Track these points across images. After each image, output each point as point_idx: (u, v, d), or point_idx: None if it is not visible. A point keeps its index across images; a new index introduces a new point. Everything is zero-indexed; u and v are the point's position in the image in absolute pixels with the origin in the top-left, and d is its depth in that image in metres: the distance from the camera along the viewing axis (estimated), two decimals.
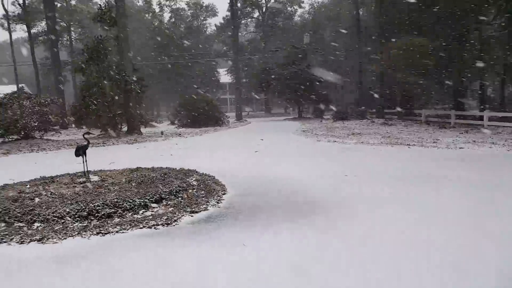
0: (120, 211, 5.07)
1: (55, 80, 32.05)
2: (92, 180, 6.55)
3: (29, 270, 3.64)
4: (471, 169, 7.99)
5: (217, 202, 5.66)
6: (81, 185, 6.23)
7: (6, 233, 4.49)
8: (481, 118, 17.99)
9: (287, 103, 47.25)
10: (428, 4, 19.31)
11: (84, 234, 4.46)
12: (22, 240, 4.32)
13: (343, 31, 33.16)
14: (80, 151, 6.84)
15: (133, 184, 6.23)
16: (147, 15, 52.61)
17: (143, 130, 21.53)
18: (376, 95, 26.74)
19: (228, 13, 47.29)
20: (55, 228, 4.59)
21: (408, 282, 3.20)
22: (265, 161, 9.95)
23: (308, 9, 52.40)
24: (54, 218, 4.79)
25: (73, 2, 46.07)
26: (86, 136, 7.23)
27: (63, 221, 4.77)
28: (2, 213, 4.90)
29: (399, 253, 3.75)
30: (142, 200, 5.34)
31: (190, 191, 6.07)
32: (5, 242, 4.31)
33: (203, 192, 6.11)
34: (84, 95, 19.27)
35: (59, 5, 42.12)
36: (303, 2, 51.58)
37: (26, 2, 35.38)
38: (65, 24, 44.45)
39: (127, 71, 19.80)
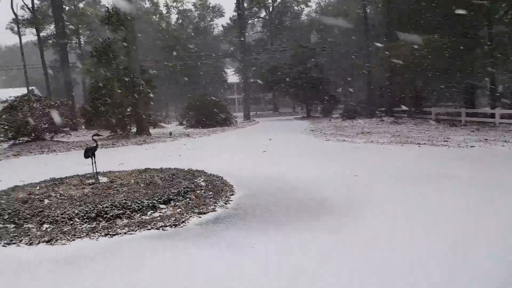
0: (128, 212, 5.07)
1: (65, 83, 32.40)
2: (101, 181, 6.57)
3: (37, 272, 3.65)
4: (484, 169, 7.85)
5: (225, 203, 5.63)
6: (90, 186, 6.25)
7: (16, 234, 4.52)
8: (492, 115, 17.71)
9: (295, 103, 47.13)
10: (437, 1, 19.06)
11: (93, 236, 4.46)
12: (31, 241, 4.34)
13: (348, 25, 32.89)
14: (89, 153, 6.88)
15: (141, 185, 6.23)
16: (154, 17, 52.85)
17: (151, 131, 21.62)
18: (385, 93, 26.50)
19: (235, 14, 47.30)
20: (64, 230, 4.60)
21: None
22: (273, 161, 9.90)
23: (315, 7, 52.17)
24: (63, 220, 4.81)
25: (81, 5, 46.51)
26: (95, 137, 7.26)
27: (71, 222, 4.79)
28: (12, 215, 4.93)
29: (409, 256, 3.68)
30: (150, 201, 5.33)
31: (198, 192, 6.06)
32: (14, 243, 4.33)
33: (211, 193, 6.09)
34: (93, 97, 19.45)
35: (67, 8, 42.58)
36: (310, 1, 51.39)
37: (35, 6, 35.75)
38: (73, 27, 44.87)
39: (135, 73, 19.91)
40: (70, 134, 20.07)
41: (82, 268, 3.69)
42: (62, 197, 5.58)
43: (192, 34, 50.61)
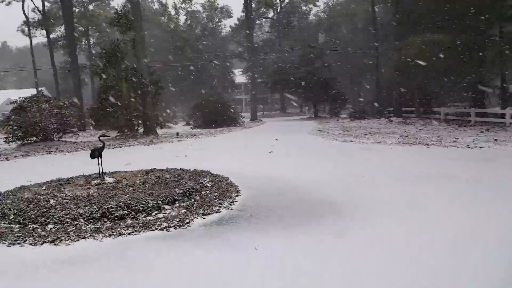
0: (133, 213, 5.06)
1: (74, 84, 32.70)
2: (106, 181, 6.58)
3: (40, 272, 3.65)
4: (494, 170, 7.72)
5: (230, 204, 5.59)
6: (96, 186, 6.26)
7: (20, 234, 4.53)
8: (503, 115, 17.43)
9: (302, 103, 46.97)
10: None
11: (97, 236, 4.45)
12: (35, 241, 4.35)
13: (356, 24, 32.73)
14: (96, 153, 6.90)
15: (147, 185, 6.22)
16: (163, 18, 53.11)
17: (159, 131, 21.70)
18: (393, 93, 26.29)
19: (243, 14, 47.32)
20: (68, 230, 4.61)
21: None
22: (279, 161, 9.85)
23: (323, 7, 51.99)
24: (68, 220, 4.81)
25: (91, 7, 46.93)
26: (101, 138, 7.29)
27: (76, 223, 4.79)
28: (17, 215, 4.95)
29: (416, 259, 3.60)
30: (155, 202, 5.31)
31: (203, 192, 6.03)
32: (18, 243, 4.34)
33: (216, 193, 6.06)
34: (101, 98, 19.59)
35: (77, 10, 42.99)
36: (318, 0, 51.23)
37: (46, 8, 36.17)
38: (83, 29, 45.29)
39: (143, 74, 20.01)
40: (78, 135, 20.23)
41: (86, 268, 3.68)
42: (68, 198, 5.59)
43: (200, 35, 50.75)
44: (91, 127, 26.28)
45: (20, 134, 16.33)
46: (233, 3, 60.64)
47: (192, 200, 5.67)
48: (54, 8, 41.19)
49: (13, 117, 16.52)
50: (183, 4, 52.65)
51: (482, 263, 3.48)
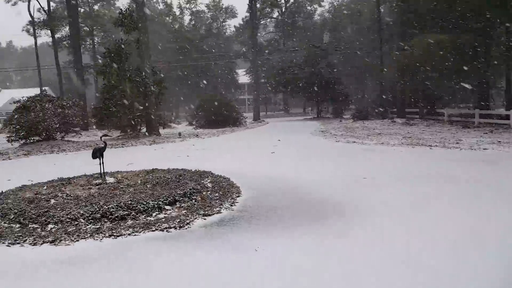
0: (133, 213, 5.05)
1: (78, 83, 32.81)
2: (108, 181, 6.57)
3: (40, 272, 3.64)
4: (496, 172, 7.65)
5: (231, 205, 5.57)
6: (97, 186, 6.26)
7: (20, 234, 4.53)
8: (507, 117, 17.32)
9: (306, 103, 46.89)
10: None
11: (97, 237, 4.44)
12: (35, 241, 4.34)
13: (361, 24, 32.63)
14: (97, 154, 6.90)
15: (148, 186, 6.21)
16: (167, 18, 53.21)
17: (161, 131, 21.73)
18: (397, 94, 26.19)
19: (248, 14, 47.34)
20: (68, 230, 4.60)
21: None
22: (281, 162, 9.82)
23: (328, 7, 51.89)
24: (68, 220, 4.80)
25: (96, 7, 47.09)
26: (103, 138, 7.28)
27: (76, 223, 4.78)
28: (18, 215, 4.95)
29: (416, 259, 3.57)
30: (156, 202, 5.30)
31: (204, 193, 6.01)
32: (18, 243, 4.34)
33: (217, 194, 6.04)
34: (105, 98, 19.63)
35: (82, 10, 43.16)
36: (323, 0, 51.16)
37: (51, 8, 36.28)
38: (88, 29, 45.45)
39: (147, 74, 20.04)
40: (81, 134, 20.28)
41: (86, 269, 3.66)
42: (68, 198, 5.58)
43: (205, 35, 50.79)
44: (94, 127, 26.36)
45: (23, 133, 16.40)
46: (237, 3, 60.75)
47: (193, 200, 5.65)
48: (59, 8, 41.34)
49: (16, 116, 16.59)
50: (188, 4, 52.76)
51: (482, 263, 3.45)
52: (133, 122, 19.70)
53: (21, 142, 16.79)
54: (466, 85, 18.43)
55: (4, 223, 4.89)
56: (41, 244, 4.29)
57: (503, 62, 19.32)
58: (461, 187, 6.34)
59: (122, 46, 19.50)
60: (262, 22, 55.60)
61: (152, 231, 4.60)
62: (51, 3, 37.07)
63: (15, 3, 37.77)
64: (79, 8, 38.27)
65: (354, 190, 6.40)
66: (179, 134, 20.85)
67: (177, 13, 53.01)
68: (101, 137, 7.35)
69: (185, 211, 5.25)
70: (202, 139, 18.06)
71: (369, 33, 35.01)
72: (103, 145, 7.11)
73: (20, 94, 24.14)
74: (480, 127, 17.65)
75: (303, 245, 4.03)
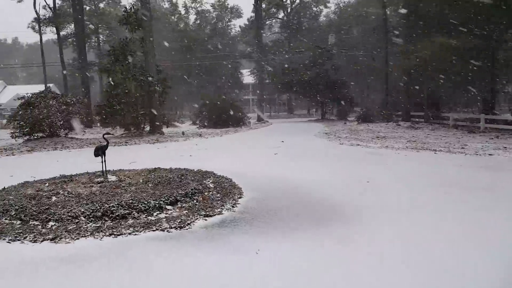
0: (134, 212, 5.02)
1: (82, 80, 32.91)
2: (110, 180, 6.55)
3: (39, 270, 3.61)
4: (502, 178, 7.57)
5: (232, 206, 5.52)
6: (99, 184, 6.23)
7: (21, 231, 4.50)
8: None
9: (310, 104, 46.81)
10: (459, 2, 18.61)
11: (97, 235, 4.41)
12: (35, 238, 4.31)
13: (367, 26, 32.50)
14: (99, 152, 6.88)
15: (149, 185, 6.18)
16: (173, 17, 53.31)
17: (165, 130, 21.73)
18: (402, 97, 26.06)
19: (253, 14, 47.35)
20: (69, 228, 4.57)
21: None
22: (284, 163, 9.77)
23: (334, 9, 51.82)
24: (69, 218, 4.78)
25: (101, 5, 47.25)
26: (105, 136, 7.27)
27: (77, 221, 4.75)
28: (19, 211, 4.93)
29: (417, 262, 3.51)
30: (157, 202, 5.26)
31: (206, 193, 5.97)
32: (18, 240, 4.32)
33: (219, 195, 6.00)
34: (109, 95, 19.66)
35: (87, 8, 43.30)
36: (328, 2, 51.08)
37: (57, 5, 36.46)
38: (93, 26, 45.61)
39: (151, 72, 20.05)
40: (85, 131, 20.32)
41: (85, 267, 3.63)
42: (70, 195, 5.56)
43: (210, 34, 50.82)
44: (98, 124, 26.40)
45: (26, 129, 16.43)
46: (243, 3, 60.73)
47: (195, 201, 5.61)
48: (64, 5, 41.54)
49: (20, 112, 16.62)
50: (193, 4, 52.84)
51: (482, 262, 3.39)
52: (136, 121, 19.73)
53: (25, 138, 16.83)
54: (472, 90, 18.31)
55: (5, 219, 4.87)
56: (41, 241, 4.27)
57: (510, 67, 19.18)
58: (466, 193, 6.27)
59: (127, 44, 19.54)
60: (267, 22, 55.60)
61: (153, 231, 4.56)
62: (57, 1, 37.27)
63: (20, 0, 37.98)
64: (84, 6, 38.42)
65: (358, 193, 6.33)
66: (183, 133, 20.86)
67: (182, 12, 53.12)
68: (103, 135, 7.33)
69: (186, 211, 5.21)
70: (205, 139, 18.05)
71: (374, 36, 34.91)
72: (105, 144, 7.09)
73: (25, 90, 24.21)
74: (485, 132, 17.53)
75: (305, 249, 3.98)
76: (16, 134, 16.57)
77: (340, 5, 49.98)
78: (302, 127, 25.83)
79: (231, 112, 26.35)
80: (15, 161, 11.64)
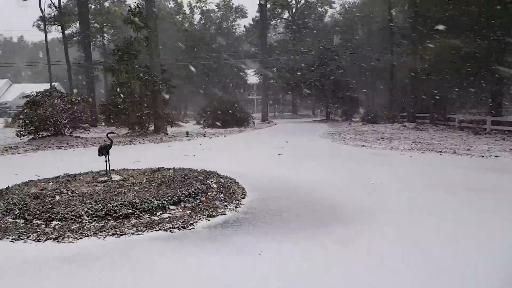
0: (138, 212, 5.00)
1: (87, 79, 33.03)
2: (113, 179, 6.54)
3: (42, 270, 3.60)
4: (508, 181, 7.50)
5: (236, 207, 5.50)
6: (102, 184, 6.23)
7: (24, 230, 4.50)
8: None
9: (314, 105, 46.71)
10: (465, 4, 18.47)
11: (100, 235, 4.40)
12: (38, 238, 4.31)
13: (372, 27, 32.38)
14: (103, 151, 6.89)
15: (153, 184, 6.17)
16: (177, 17, 53.41)
17: (169, 129, 21.75)
18: (407, 98, 25.93)
19: (258, 14, 47.29)
20: (72, 227, 4.56)
21: None
22: (288, 164, 9.73)
23: (339, 9, 51.70)
24: (72, 217, 4.77)
25: (106, 4, 47.40)
26: (109, 135, 7.27)
27: (80, 220, 4.74)
28: (22, 210, 4.93)
29: (417, 263, 3.47)
30: (160, 202, 5.25)
31: (209, 193, 5.95)
32: (22, 239, 4.32)
33: (222, 195, 5.97)
34: (113, 95, 19.71)
35: (93, 7, 43.45)
36: (334, 2, 50.97)
37: (62, 4, 36.60)
38: (98, 25, 45.76)
39: (156, 72, 20.08)
40: (89, 130, 20.37)
41: (88, 267, 3.62)
42: (73, 194, 5.56)
43: (215, 34, 50.85)
44: (103, 123, 26.49)
45: (31, 128, 16.49)
46: (248, 3, 60.69)
47: (198, 201, 5.59)
48: (70, 4, 41.71)
49: (25, 111, 16.69)
50: (198, 3, 52.91)
51: (482, 262, 3.34)
52: (141, 120, 19.77)
53: (30, 136, 16.90)
54: (478, 91, 18.18)
55: (9, 218, 4.88)
56: (45, 240, 4.26)
57: None
58: (470, 194, 6.21)
59: (132, 43, 19.59)
60: (272, 22, 55.54)
61: (156, 230, 4.55)
62: None
63: None
64: (89, 5, 38.55)
65: (362, 195, 6.29)
66: (187, 133, 20.87)
67: (187, 11, 53.21)
68: (107, 135, 7.34)
69: (189, 211, 5.20)
70: (209, 139, 18.04)
71: (379, 36, 34.76)
72: (109, 143, 7.09)
73: (30, 89, 24.33)
74: (491, 134, 17.40)
75: (308, 250, 3.95)
76: (21, 132, 16.65)
77: (345, 5, 49.88)
78: (306, 128, 25.77)
79: (236, 112, 26.35)
80: (20, 160, 11.68)
